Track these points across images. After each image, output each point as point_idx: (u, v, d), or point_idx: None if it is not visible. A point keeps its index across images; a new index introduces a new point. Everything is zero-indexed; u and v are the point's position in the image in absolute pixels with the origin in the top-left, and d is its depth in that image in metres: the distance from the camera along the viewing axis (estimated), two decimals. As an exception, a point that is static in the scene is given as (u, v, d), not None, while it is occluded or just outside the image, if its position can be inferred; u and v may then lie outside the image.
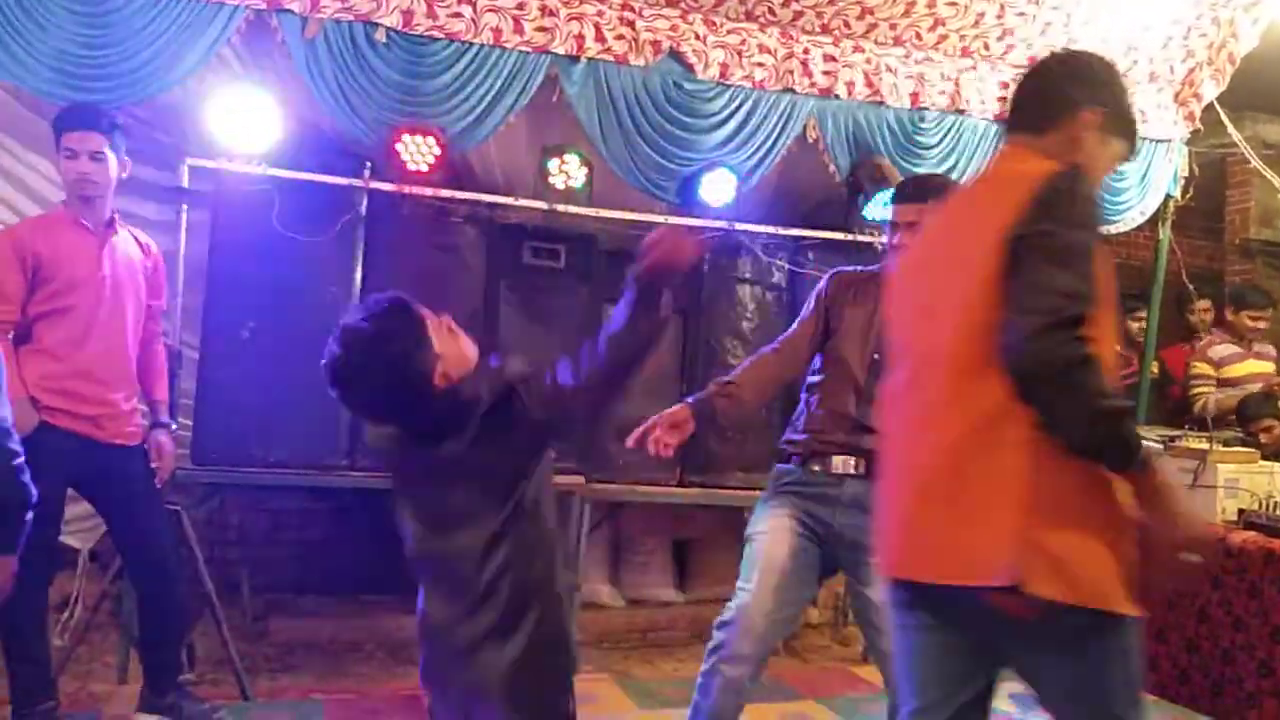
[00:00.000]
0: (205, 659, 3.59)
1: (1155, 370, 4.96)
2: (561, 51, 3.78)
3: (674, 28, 3.95)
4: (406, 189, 3.73)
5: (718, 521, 4.79)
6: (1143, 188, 4.56)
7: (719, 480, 4.21)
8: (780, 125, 4.13)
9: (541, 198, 3.92)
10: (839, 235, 4.33)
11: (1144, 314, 4.83)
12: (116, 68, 3.34)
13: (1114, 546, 1.50)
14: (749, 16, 4.02)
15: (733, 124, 4.07)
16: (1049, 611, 1.47)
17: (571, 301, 4.02)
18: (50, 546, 2.88)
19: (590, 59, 3.84)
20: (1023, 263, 1.49)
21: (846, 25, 4.12)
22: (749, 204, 4.17)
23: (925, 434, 1.64)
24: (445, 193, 3.83)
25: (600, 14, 3.84)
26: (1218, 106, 4.61)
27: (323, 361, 1.70)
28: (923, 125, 4.30)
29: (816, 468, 2.52)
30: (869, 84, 4.19)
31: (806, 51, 4.12)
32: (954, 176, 4.31)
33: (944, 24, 4.16)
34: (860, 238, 4.30)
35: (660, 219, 4.14)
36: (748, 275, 4.30)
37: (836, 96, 4.16)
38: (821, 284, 2.71)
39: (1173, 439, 3.69)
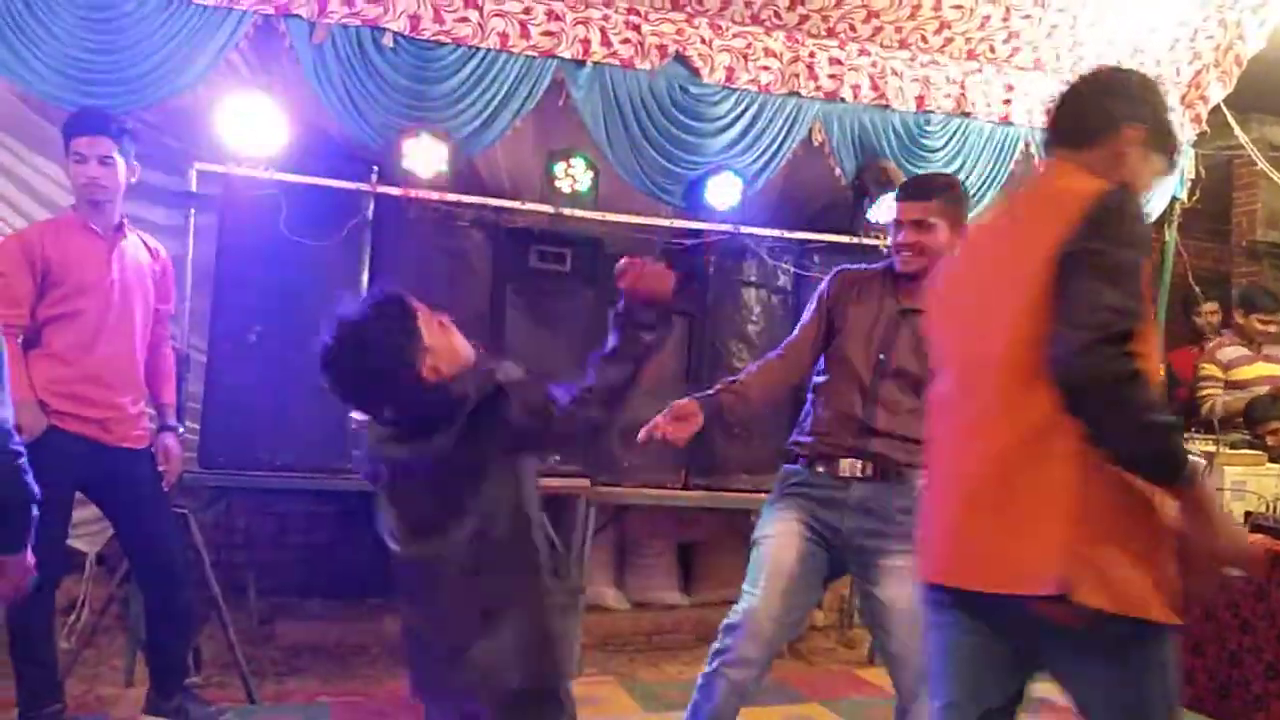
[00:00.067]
0: (212, 662, 3.60)
1: (1161, 373, 4.95)
2: (567, 56, 3.79)
3: (679, 31, 3.96)
4: (413, 193, 3.74)
5: (723, 524, 4.79)
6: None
7: (724, 483, 4.21)
8: (786, 128, 4.14)
9: (548, 201, 3.92)
10: (844, 238, 4.34)
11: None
12: (125, 73, 3.36)
13: (1157, 558, 1.54)
14: (754, 20, 4.03)
15: (738, 127, 4.07)
16: (1094, 620, 1.50)
17: (578, 305, 4.03)
18: (58, 549, 2.89)
19: (596, 63, 3.85)
20: (1072, 279, 1.52)
21: (852, 28, 4.12)
22: (754, 207, 4.17)
23: (973, 443, 1.67)
24: (452, 197, 3.84)
25: (606, 18, 3.85)
26: (1224, 108, 4.60)
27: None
28: (928, 128, 4.30)
29: (823, 470, 2.51)
30: (874, 87, 4.20)
31: (812, 55, 4.12)
32: (960, 179, 4.32)
33: (949, 27, 4.16)
34: (866, 241, 4.30)
35: (666, 223, 4.15)
36: (753, 278, 4.30)
37: (842, 100, 4.17)
38: (824, 283, 2.69)
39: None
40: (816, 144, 4.19)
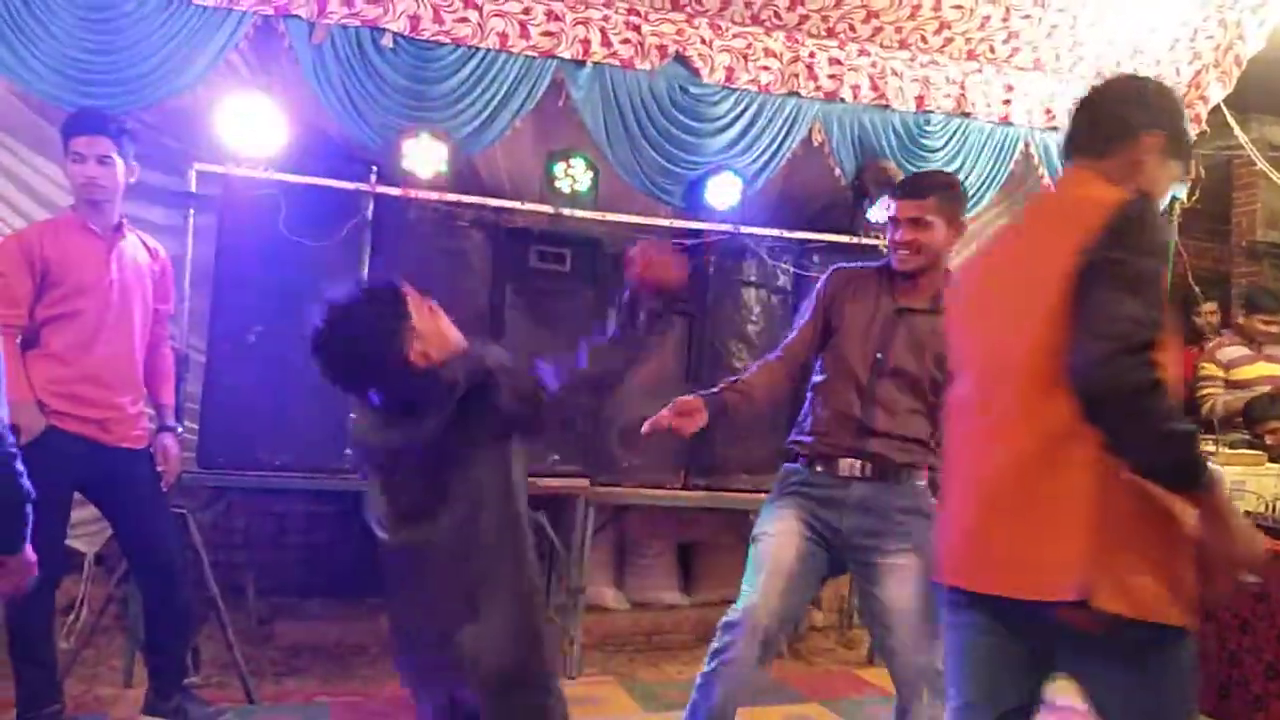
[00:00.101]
0: (210, 662, 3.59)
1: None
2: (567, 56, 3.79)
3: (679, 32, 3.96)
4: (412, 193, 3.74)
5: (722, 524, 4.79)
6: (1149, 190, 4.55)
7: (724, 483, 4.21)
8: (785, 129, 4.14)
9: (547, 202, 3.92)
10: (844, 238, 4.34)
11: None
12: (124, 73, 3.36)
13: (1175, 563, 1.56)
14: (754, 20, 4.03)
15: (738, 127, 4.08)
16: (1114, 625, 1.52)
17: (577, 305, 4.03)
18: (57, 550, 2.89)
19: (596, 63, 3.85)
20: (1093, 288, 1.53)
21: (852, 29, 4.12)
22: (754, 207, 4.17)
23: (993, 448, 1.69)
24: (451, 197, 3.83)
25: (606, 18, 3.85)
26: (1224, 109, 4.60)
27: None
28: (928, 128, 4.30)
29: (823, 470, 2.51)
30: (874, 87, 4.20)
31: (812, 55, 4.12)
32: (957, 177, 4.32)
33: (949, 27, 4.16)
34: (866, 241, 4.30)
35: (665, 223, 4.15)
36: (753, 278, 4.30)
37: (842, 100, 4.17)
38: (821, 282, 2.68)
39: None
40: (816, 144, 4.19)
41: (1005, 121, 4.39)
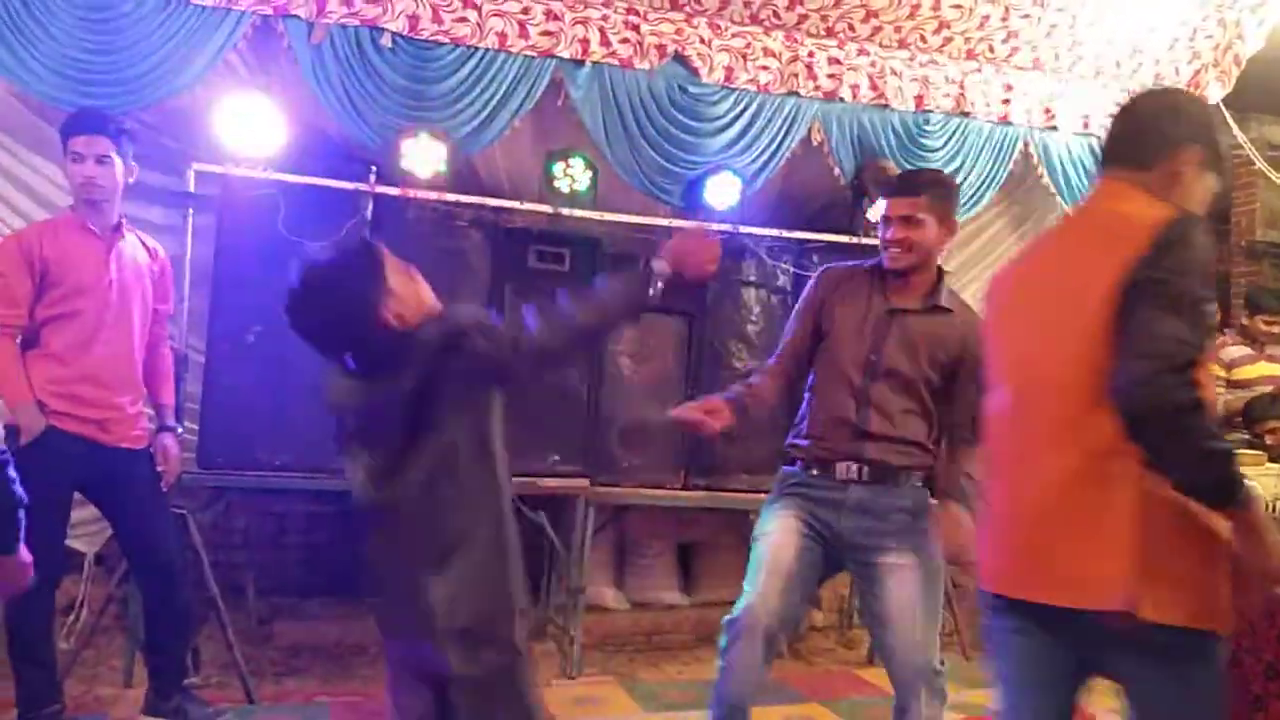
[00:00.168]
0: (210, 662, 3.59)
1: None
2: (566, 55, 3.79)
3: (679, 31, 3.96)
4: (411, 193, 3.74)
5: (722, 524, 4.79)
6: (1148, 190, 4.55)
7: (723, 483, 4.21)
8: (785, 128, 4.14)
9: (546, 201, 3.92)
10: (844, 238, 4.34)
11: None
12: (123, 73, 3.36)
13: (1212, 573, 1.61)
14: (754, 20, 4.03)
15: (737, 127, 4.08)
16: (1156, 632, 1.58)
17: (576, 305, 4.02)
18: (57, 550, 2.89)
19: (595, 63, 3.85)
20: (1137, 308, 1.56)
21: (851, 28, 4.12)
22: (753, 207, 4.17)
23: (1036, 461, 1.72)
24: (450, 197, 3.83)
25: (605, 18, 3.85)
26: (1223, 108, 4.60)
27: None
28: (927, 128, 4.30)
29: (820, 473, 2.50)
30: (874, 87, 4.20)
31: (811, 55, 4.12)
32: (959, 179, 4.32)
33: (949, 27, 4.17)
34: (865, 240, 4.29)
35: (665, 222, 4.15)
36: (752, 278, 4.30)
37: (841, 99, 4.17)
38: (810, 284, 2.66)
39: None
40: (815, 144, 4.19)
41: (1004, 121, 4.39)
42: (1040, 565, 1.71)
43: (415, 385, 1.73)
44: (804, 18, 4.05)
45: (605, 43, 3.85)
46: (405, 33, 3.59)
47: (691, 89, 4.00)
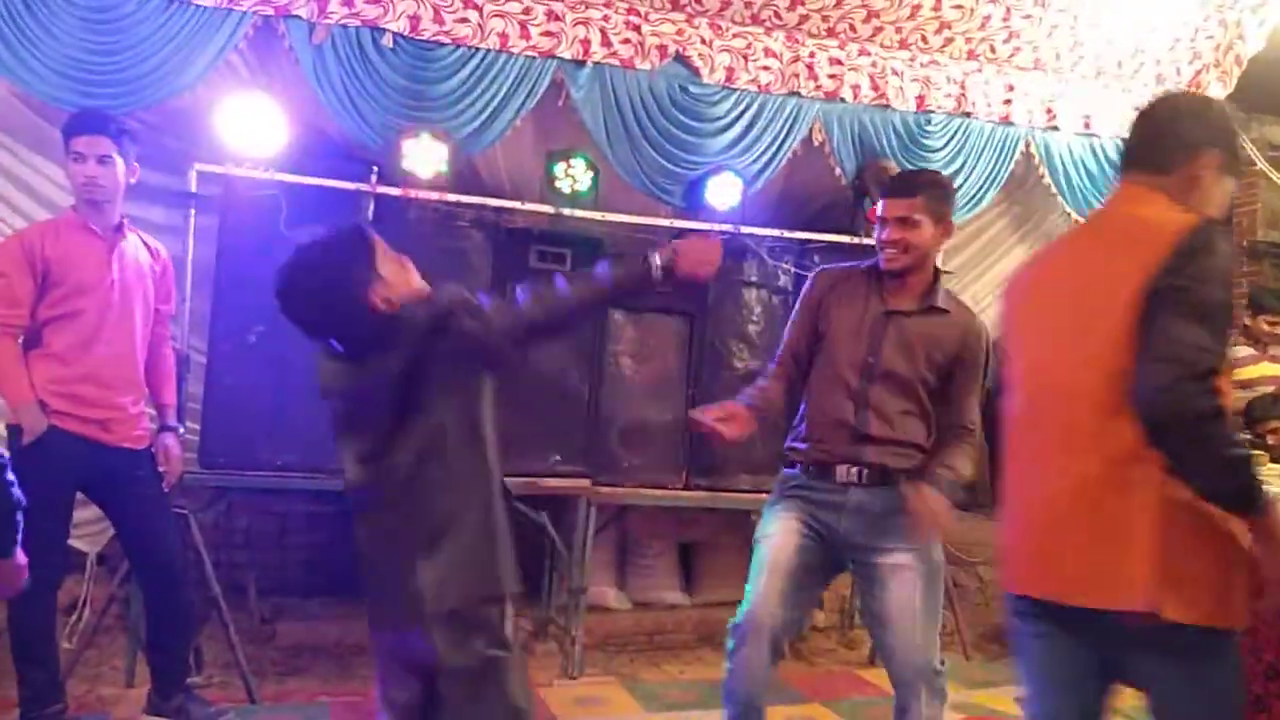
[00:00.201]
0: (212, 662, 3.60)
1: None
2: (567, 56, 3.79)
3: (680, 32, 3.96)
4: (413, 193, 3.74)
5: (724, 524, 4.79)
6: (1149, 190, 4.55)
7: (725, 483, 4.21)
8: (786, 128, 4.14)
9: (547, 202, 3.92)
10: (845, 238, 4.34)
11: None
12: (125, 74, 3.37)
13: (1230, 573, 1.64)
14: (755, 20, 4.03)
15: (738, 127, 4.08)
16: (1176, 632, 1.62)
17: (577, 305, 4.02)
18: (59, 550, 2.89)
19: (596, 63, 3.85)
20: (1159, 315, 1.58)
21: (852, 28, 4.12)
22: (755, 207, 4.17)
23: (1057, 464, 1.75)
24: (452, 197, 3.83)
25: (606, 18, 3.85)
26: (1224, 109, 4.59)
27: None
28: (928, 128, 4.30)
29: (820, 476, 2.50)
30: (875, 87, 4.20)
31: (812, 55, 4.12)
32: (960, 179, 4.32)
33: (950, 27, 4.16)
34: (866, 240, 4.29)
35: (666, 223, 4.15)
36: (753, 278, 4.30)
37: (842, 100, 4.17)
38: (806, 286, 2.65)
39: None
40: (817, 144, 4.19)
41: (1006, 121, 4.39)
42: (1063, 568, 1.74)
43: (403, 367, 1.74)
44: (805, 18, 4.05)
45: (606, 43, 3.85)
46: (406, 33, 3.59)
47: (693, 89, 4.00)
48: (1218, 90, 4.47)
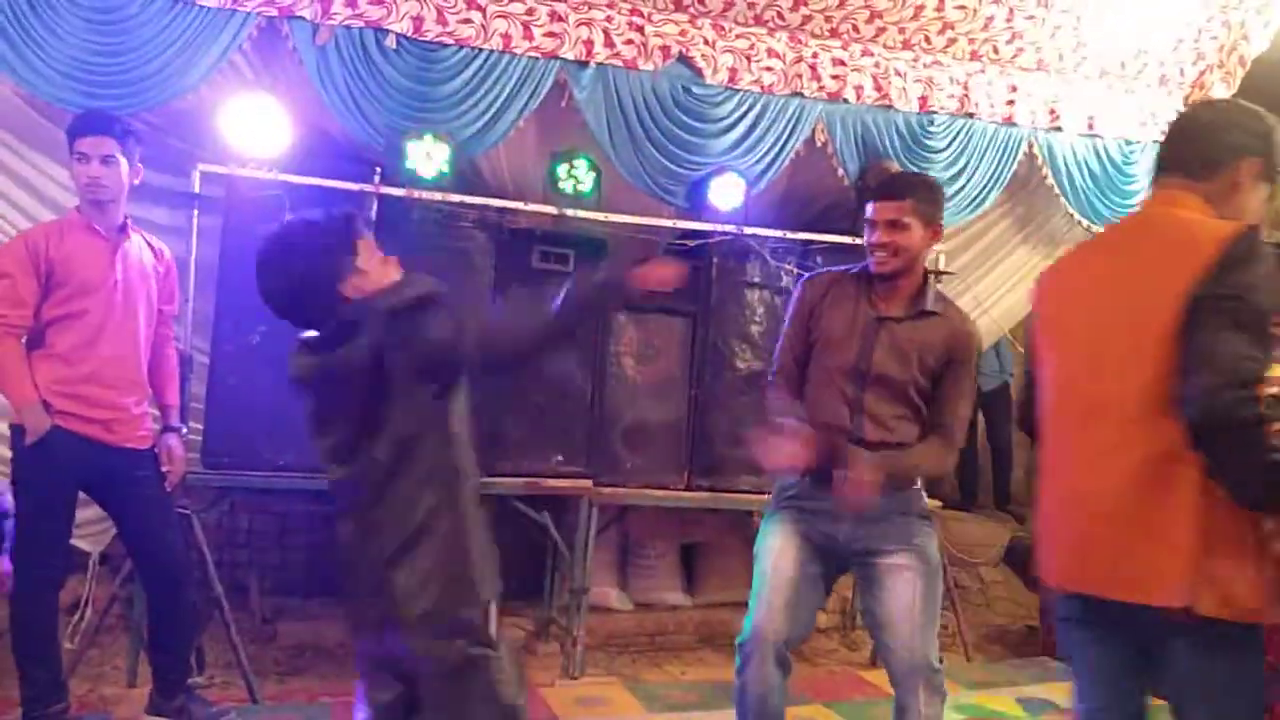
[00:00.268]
0: (214, 662, 3.61)
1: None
2: (570, 57, 3.80)
3: (683, 32, 3.96)
4: (416, 194, 3.75)
5: (726, 525, 4.79)
6: (1153, 191, 4.55)
7: (727, 484, 4.21)
8: (789, 129, 4.14)
9: (550, 202, 3.93)
10: (847, 239, 4.33)
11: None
12: (129, 74, 3.37)
13: (1261, 569, 1.68)
14: (758, 21, 4.03)
15: (741, 128, 4.08)
16: (1212, 626, 1.66)
17: (580, 306, 4.02)
18: (61, 549, 2.90)
19: (599, 64, 3.85)
20: (1203, 323, 1.63)
21: (855, 29, 4.12)
22: (757, 208, 4.17)
23: (1099, 464, 1.79)
24: (455, 198, 3.84)
25: (609, 19, 3.85)
26: (1227, 109, 4.59)
27: None
28: (932, 129, 4.29)
29: (817, 484, 2.48)
30: (878, 88, 4.20)
31: (815, 55, 4.12)
32: (964, 180, 4.32)
33: (953, 28, 4.16)
34: (869, 241, 4.29)
35: (669, 224, 4.15)
36: (756, 279, 4.30)
37: (845, 100, 4.17)
38: (796, 292, 2.63)
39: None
40: (819, 144, 4.19)
41: (1009, 122, 4.39)
42: (1103, 562, 1.78)
43: (368, 357, 1.73)
44: (808, 19, 4.05)
45: (609, 44, 3.85)
46: (410, 34, 3.60)
47: (695, 90, 4.00)
48: (1221, 91, 4.47)
